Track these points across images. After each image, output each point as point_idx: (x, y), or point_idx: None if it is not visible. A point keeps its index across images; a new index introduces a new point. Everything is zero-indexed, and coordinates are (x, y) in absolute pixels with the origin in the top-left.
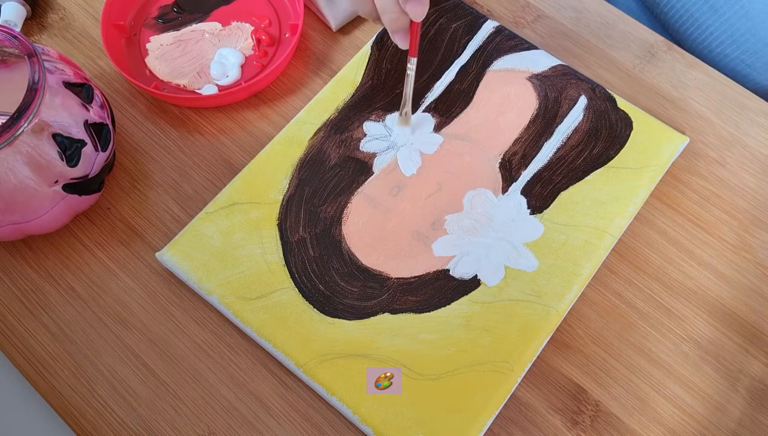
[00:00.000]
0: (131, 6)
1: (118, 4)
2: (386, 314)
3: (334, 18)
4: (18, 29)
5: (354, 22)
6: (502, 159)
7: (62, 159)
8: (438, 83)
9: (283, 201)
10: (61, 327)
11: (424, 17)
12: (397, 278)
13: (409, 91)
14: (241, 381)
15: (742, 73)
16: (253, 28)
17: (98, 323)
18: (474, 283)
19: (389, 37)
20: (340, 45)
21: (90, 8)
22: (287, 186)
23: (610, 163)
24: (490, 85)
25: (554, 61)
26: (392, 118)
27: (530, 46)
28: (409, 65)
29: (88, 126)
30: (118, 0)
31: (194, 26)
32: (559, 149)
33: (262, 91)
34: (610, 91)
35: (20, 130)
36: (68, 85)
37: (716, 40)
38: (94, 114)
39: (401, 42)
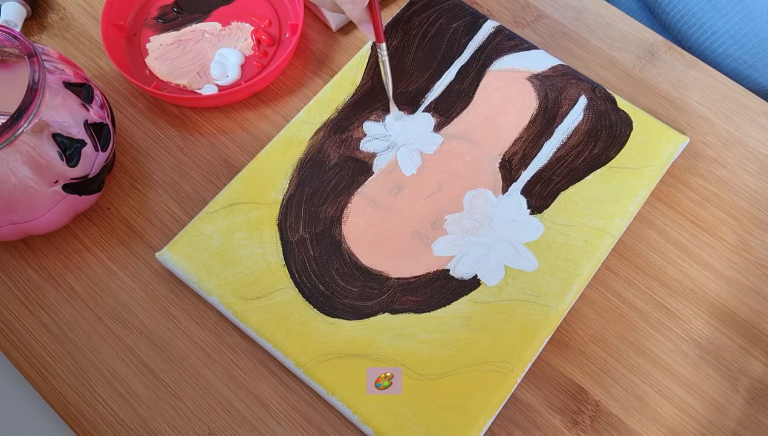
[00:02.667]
0: (131, 6)
1: (118, 4)
2: (386, 314)
3: (334, 18)
4: (18, 29)
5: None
6: (502, 159)
7: (62, 159)
8: (438, 83)
9: (283, 201)
10: (61, 327)
11: None
12: (397, 278)
13: (387, 79)
14: (241, 381)
15: (743, 74)
16: (253, 28)
17: (98, 322)
18: (474, 283)
19: (389, 36)
20: (340, 45)
21: (90, 8)
22: (287, 186)
23: (610, 163)
24: (490, 85)
25: (554, 61)
26: (391, 117)
27: (530, 46)
28: (379, 51)
29: (88, 126)
30: (118, 0)
31: (194, 26)
32: (559, 149)
33: (262, 91)
34: (610, 91)
35: (20, 130)
36: (68, 85)
37: (718, 40)
38: (94, 114)
39: (368, 32)
